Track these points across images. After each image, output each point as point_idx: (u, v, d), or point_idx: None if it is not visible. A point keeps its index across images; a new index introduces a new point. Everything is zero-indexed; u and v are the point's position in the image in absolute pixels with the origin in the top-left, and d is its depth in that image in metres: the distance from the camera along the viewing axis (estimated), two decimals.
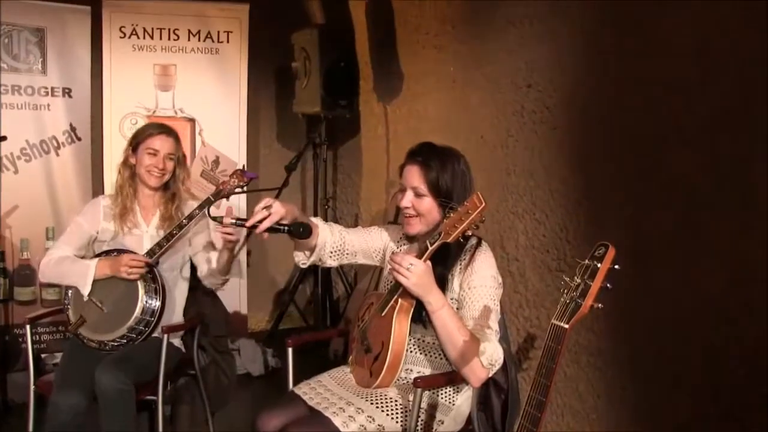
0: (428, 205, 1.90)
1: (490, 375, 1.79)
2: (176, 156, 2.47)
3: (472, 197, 1.69)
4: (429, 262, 1.78)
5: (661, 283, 2.13)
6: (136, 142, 2.45)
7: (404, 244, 2.11)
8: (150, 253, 2.35)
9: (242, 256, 3.93)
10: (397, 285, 1.85)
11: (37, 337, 3.39)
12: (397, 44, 3.55)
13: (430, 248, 1.76)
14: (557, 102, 2.54)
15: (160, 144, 2.42)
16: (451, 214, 1.72)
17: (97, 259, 2.38)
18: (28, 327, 2.43)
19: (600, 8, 2.33)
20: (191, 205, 2.50)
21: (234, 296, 3.87)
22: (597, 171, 2.39)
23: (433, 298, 1.76)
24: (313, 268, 3.81)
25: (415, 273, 1.74)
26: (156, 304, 2.35)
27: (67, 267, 2.39)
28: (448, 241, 1.73)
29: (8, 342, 3.36)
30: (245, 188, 2.42)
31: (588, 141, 2.43)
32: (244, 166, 2.49)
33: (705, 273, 1.99)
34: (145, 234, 2.48)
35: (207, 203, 2.35)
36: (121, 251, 2.39)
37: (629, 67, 2.23)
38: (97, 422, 2.18)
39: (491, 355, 1.75)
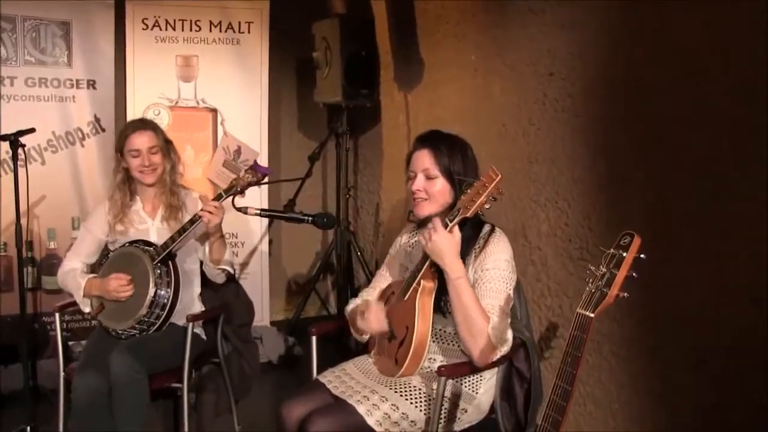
0: (440, 186, 1.92)
1: (496, 356, 1.80)
2: (158, 146, 2.48)
3: (487, 171, 1.71)
4: (454, 233, 1.79)
5: (684, 269, 2.11)
6: (120, 147, 2.49)
7: (417, 236, 2.13)
8: (164, 246, 2.37)
9: (264, 247, 3.97)
10: (418, 268, 1.87)
11: (65, 324, 3.44)
12: (418, 33, 3.54)
13: (450, 224, 1.78)
14: (580, 90, 2.51)
15: (139, 142, 2.44)
16: (468, 190, 1.74)
17: (86, 280, 2.45)
18: (57, 315, 2.50)
19: None
20: (194, 198, 2.55)
21: (256, 285, 3.91)
22: (620, 159, 2.36)
23: (449, 268, 1.79)
24: (338, 257, 3.82)
25: (434, 237, 1.78)
26: (167, 296, 2.37)
27: (69, 282, 2.50)
28: (468, 215, 1.76)
29: (37, 330, 3.43)
30: (259, 184, 2.39)
31: (611, 128, 2.40)
32: (256, 162, 2.46)
33: (728, 259, 1.97)
34: (151, 227, 2.52)
35: (218, 198, 2.34)
36: (133, 242, 2.45)
37: (652, 53, 2.20)
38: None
39: (499, 334, 1.77)
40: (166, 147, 2.52)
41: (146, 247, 2.42)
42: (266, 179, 2.41)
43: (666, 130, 2.17)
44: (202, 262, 2.55)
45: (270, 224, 4.05)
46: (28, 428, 2.77)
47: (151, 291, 2.34)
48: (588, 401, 2.51)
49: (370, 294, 2.16)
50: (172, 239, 2.37)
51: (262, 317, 3.90)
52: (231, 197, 2.32)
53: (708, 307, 2.05)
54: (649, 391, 2.27)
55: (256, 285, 3.91)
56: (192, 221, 2.35)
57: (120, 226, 2.49)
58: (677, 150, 2.13)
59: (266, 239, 3.99)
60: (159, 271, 2.36)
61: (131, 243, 2.46)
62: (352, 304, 2.15)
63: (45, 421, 2.79)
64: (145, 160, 2.44)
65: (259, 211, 1.95)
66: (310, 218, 1.86)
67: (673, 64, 2.13)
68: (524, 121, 2.79)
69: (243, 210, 1.99)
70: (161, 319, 2.38)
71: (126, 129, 2.53)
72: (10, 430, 2.81)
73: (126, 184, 2.52)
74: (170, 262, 2.40)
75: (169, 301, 2.37)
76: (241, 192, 2.34)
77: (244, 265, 3.91)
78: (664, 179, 2.18)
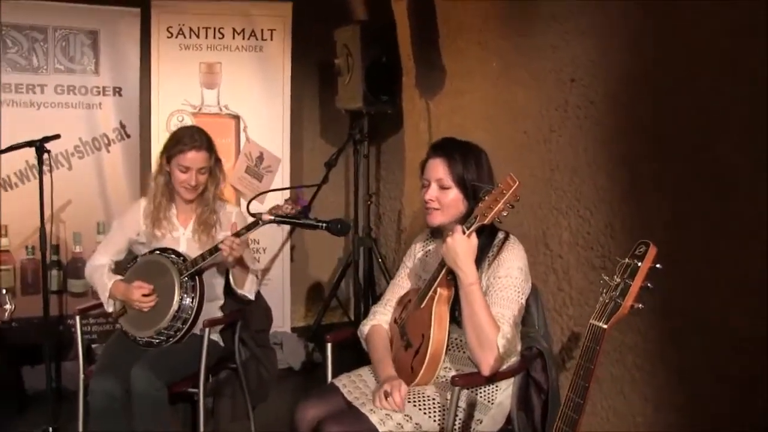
0: (453, 196, 1.90)
1: (503, 367, 1.78)
2: (208, 167, 2.43)
3: (505, 178, 1.69)
4: (472, 239, 1.77)
5: (709, 280, 2.05)
6: (168, 155, 2.42)
7: (431, 244, 2.12)
8: (193, 263, 2.36)
9: (286, 253, 3.98)
10: (435, 276, 1.85)
11: (89, 327, 3.51)
12: (440, 41, 3.52)
13: (468, 231, 1.76)
14: (602, 97, 2.47)
15: (191, 161, 2.37)
16: (486, 197, 1.72)
17: (113, 281, 2.45)
18: (77, 318, 2.53)
19: (644, 1, 2.26)
20: (228, 211, 2.53)
21: (277, 291, 3.92)
22: (642, 167, 2.32)
23: (463, 273, 1.77)
24: (355, 264, 3.81)
25: (450, 240, 1.76)
26: (191, 310, 2.36)
27: (96, 279, 2.50)
28: (485, 222, 1.74)
29: (62, 332, 3.49)
30: (294, 218, 2.28)
31: (633, 136, 2.36)
32: (297, 195, 2.43)
33: (752, 270, 1.91)
34: (182, 237, 2.50)
35: (254, 225, 2.29)
36: (164, 250, 2.45)
37: (674, 60, 2.15)
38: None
39: (508, 344, 1.75)
40: (215, 166, 2.47)
41: (175, 258, 2.40)
42: (287, 191, 2.38)
43: (689, 138, 2.12)
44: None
45: (292, 231, 4.06)
46: (51, 429, 2.81)
47: (176, 305, 2.33)
48: (611, 415, 2.45)
49: (383, 311, 2.12)
50: (203, 257, 2.34)
51: (282, 323, 3.91)
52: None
53: (732, 319, 1.99)
54: (673, 405, 2.21)
55: (278, 291, 3.93)
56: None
57: (158, 231, 2.46)
58: (701, 158, 2.08)
59: (288, 245, 4.01)
60: (185, 286, 2.35)
61: (161, 251, 2.44)
62: (367, 326, 2.12)
63: (68, 423, 2.83)
64: (192, 179, 2.39)
65: (272, 218, 1.95)
66: (324, 224, 1.86)
67: (697, 71, 2.08)
68: (546, 129, 2.75)
69: (258, 216, 1.99)
70: (182, 333, 2.36)
71: (183, 142, 2.39)
72: (33, 430, 2.85)
73: (167, 188, 2.48)
74: (197, 277, 2.39)
75: (192, 316, 2.36)
76: (278, 223, 2.25)
77: (265, 271, 3.93)
78: (688, 188, 2.13)
